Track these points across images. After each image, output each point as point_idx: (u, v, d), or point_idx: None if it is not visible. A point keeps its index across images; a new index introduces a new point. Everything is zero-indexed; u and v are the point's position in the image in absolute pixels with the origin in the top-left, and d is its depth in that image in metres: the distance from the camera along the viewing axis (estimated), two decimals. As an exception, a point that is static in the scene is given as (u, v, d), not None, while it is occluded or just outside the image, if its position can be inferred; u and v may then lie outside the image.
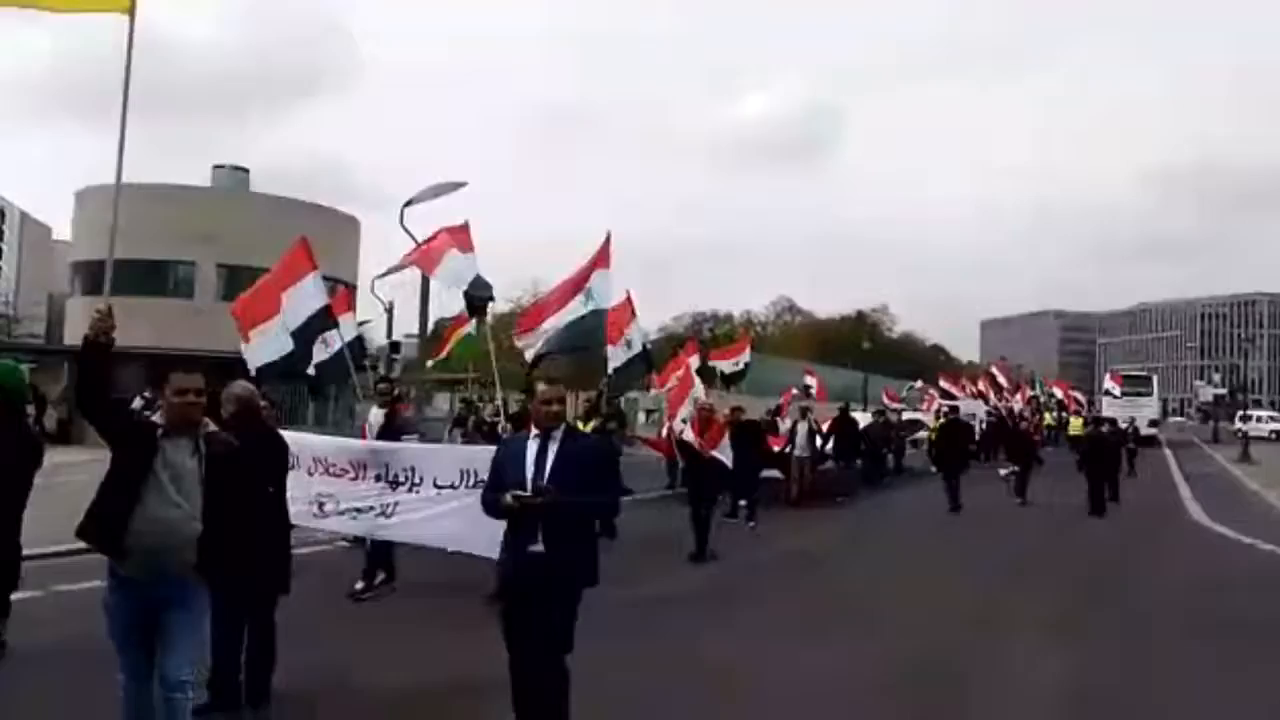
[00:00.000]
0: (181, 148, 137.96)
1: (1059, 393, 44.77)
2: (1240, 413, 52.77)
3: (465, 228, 10.13)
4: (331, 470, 8.53)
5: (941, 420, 21.35)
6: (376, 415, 9.25)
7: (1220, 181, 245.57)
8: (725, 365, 19.65)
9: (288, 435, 8.72)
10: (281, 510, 5.65)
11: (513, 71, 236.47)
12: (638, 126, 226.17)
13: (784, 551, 12.20)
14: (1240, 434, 38.88)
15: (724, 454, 11.63)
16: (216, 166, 41.15)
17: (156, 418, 4.34)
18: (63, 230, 44.04)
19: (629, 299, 12.18)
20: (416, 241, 16.08)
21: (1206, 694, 6.55)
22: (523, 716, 4.74)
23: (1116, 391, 33.88)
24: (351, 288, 41.46)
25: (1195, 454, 38.67)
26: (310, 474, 8.48)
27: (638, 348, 12.17)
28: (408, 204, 15.35)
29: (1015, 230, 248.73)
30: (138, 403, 9.42)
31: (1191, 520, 17.23)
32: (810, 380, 27.35)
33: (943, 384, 37.34)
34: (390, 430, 8.91)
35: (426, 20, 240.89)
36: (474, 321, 13.42)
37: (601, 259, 11.27)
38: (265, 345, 9.87)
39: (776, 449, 16.62)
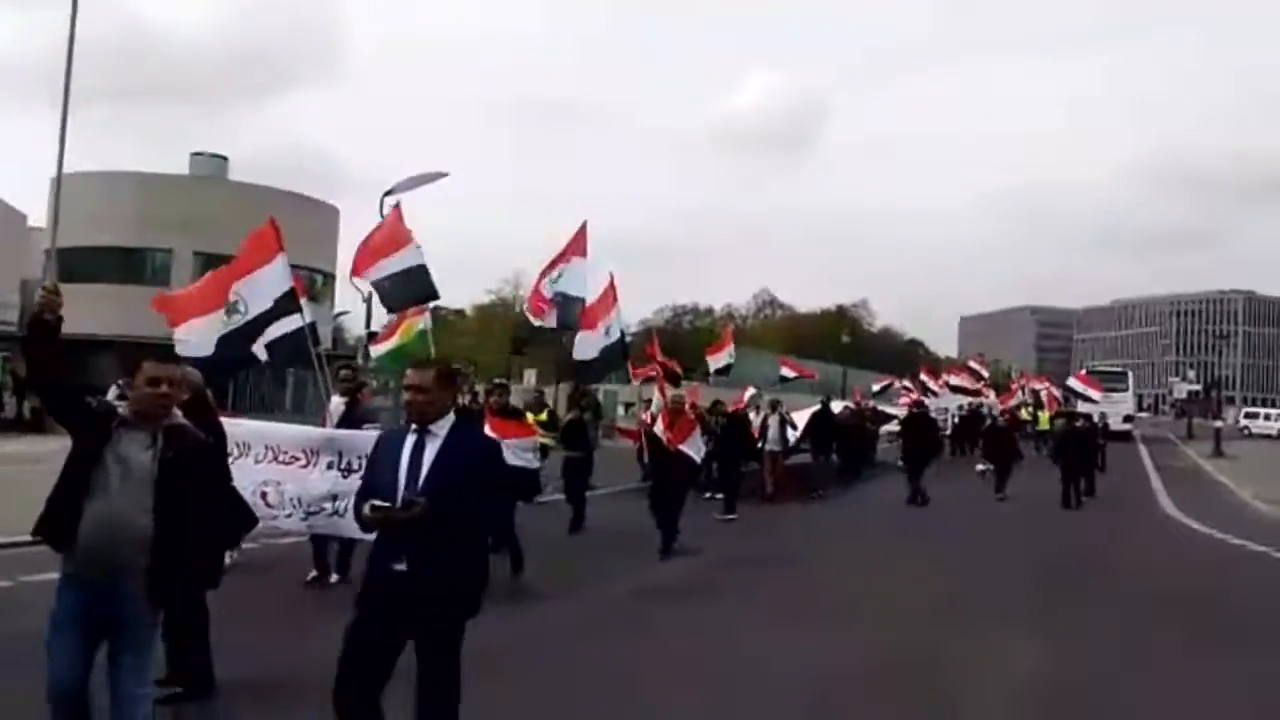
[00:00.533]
0: (161, 134, 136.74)
1: (1041, 389, 45.00)
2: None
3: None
4: (281, 458, 8.15)
5: (906, 414, 21.37)
6: (337, 404, 9.01)
7: (1202, 179, 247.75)
8: (716, 361, 19.45)
9: (240, 422, 8.52)
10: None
11: (501, 63, 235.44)
12: (624, 120, 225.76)
13: (757, 545, 12.18)
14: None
15: (692, 448, 11.37)
16: (195, 154, 40.83)
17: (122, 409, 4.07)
18: (38, 217, 43.56)
19: (612, 285, 12.01)
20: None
21: (1173, 684, 6.64)
22: None
23: (1094, 395, 34.03)
24: (330, 277, 41.38)
25: (1169, 449, 39.07)
26: (258, 461, 8.14)
27: (615, 335, 12.04)
28: (387, 193, 15.32)
29: (994, 226, 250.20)
30: (113, 392, 9.20)
31: (1163, 514, 17.45)
32: (788, 372, 26.98)
33: (923, 377, 37.52)
34: (352, 419, 8.67)
35: (414, 7, 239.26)
36: (427, 315, 13.38)
37: (576, 247, 11.31)
38: (204, 338, 8.95)
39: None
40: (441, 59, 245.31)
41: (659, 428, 11.39)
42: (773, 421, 17.02)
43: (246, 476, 7.85)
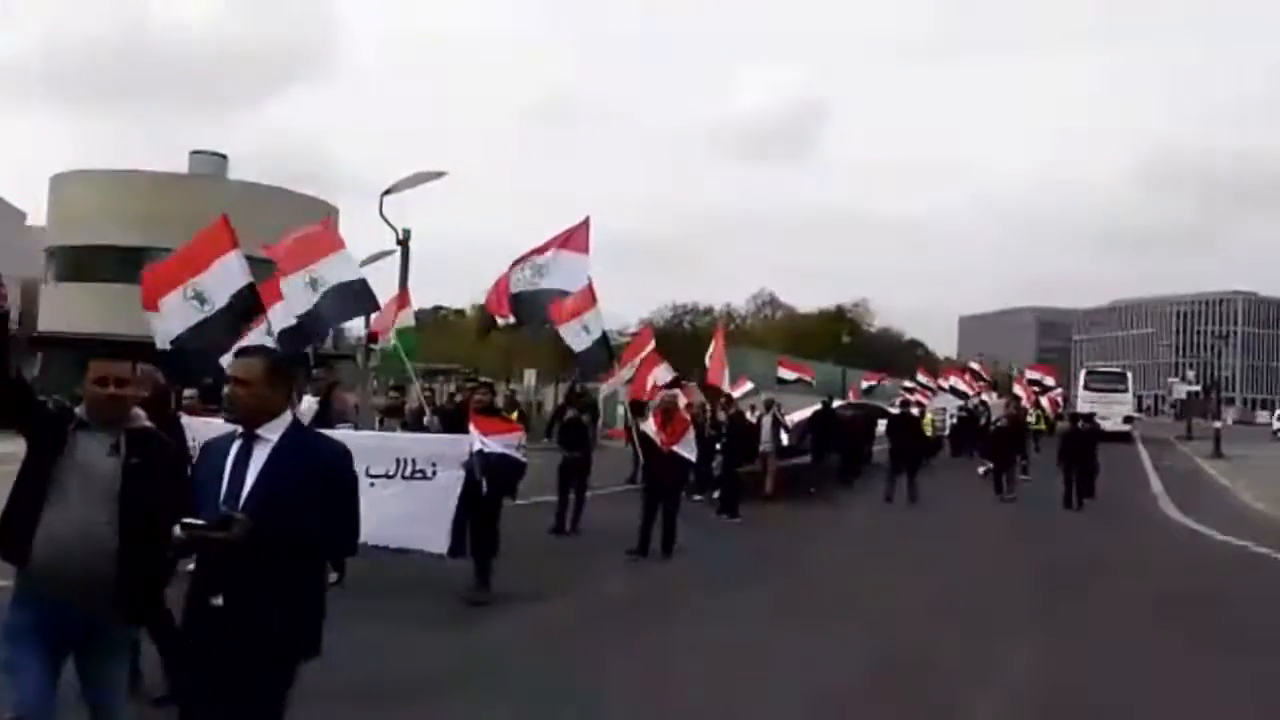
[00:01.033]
0: (160, 133, 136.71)
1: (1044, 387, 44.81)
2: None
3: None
4: None
5: (896, 413, 21.08)
6: (309, 404, 8.84)
7: (1202, 181, 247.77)
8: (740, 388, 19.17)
9: (213, 423, 8.56)
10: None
11: (500, 61, 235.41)
12: (624, 118, 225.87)
13: (755, 546, 12.10)
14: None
15: (686, 449, 11.17)
16: (194, 152, 40.82)
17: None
18: (37, 216, 43.54)
19: (590, 286, 11.89)
20: (395, 230, 16.05)
21: (1173, 685, 6.63)
22: None
23: (1049, 382, 33.85)
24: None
25: (1169, 450, 39.03)
26: None
27: (596, 334, 11.85)
28: (386, 192, 15.29)
29: (994, 226, 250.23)
30: (190, 392, 9.14)
31: (1163, 516, 17.43)
32: (786, 373, 26.55)
33: (920, 377, 37.46)
34: (325, 420, 8.52)
35: (413, 6, 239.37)
36: (409, 311, 13.35)
37: (575, 241, 11.17)
38: (172, 316, 8.95)
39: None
40: (440, 57, 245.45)
41: (652, 429, 11.16)
42: (766, 422, 16.87)
43: None
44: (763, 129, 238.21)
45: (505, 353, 42.36)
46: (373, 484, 7.58)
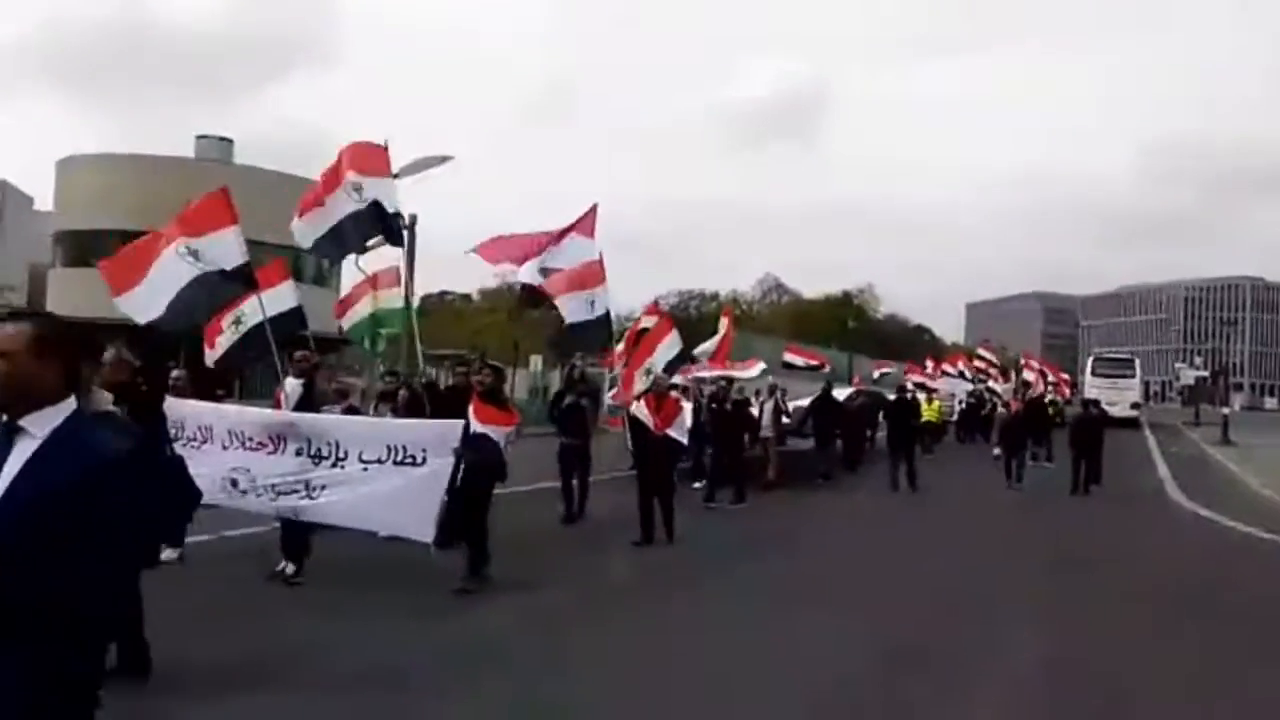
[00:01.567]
0: (165, 117, 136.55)
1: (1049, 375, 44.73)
2: None
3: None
4: (248, 444, 7.98)
5: (894, 397, 20.80)
6: (293, 386, 8.66)
7: (1210, 165, 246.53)
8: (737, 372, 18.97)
9: (200, 406, 8.40)
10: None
11: (504, 48, 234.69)
12: (630, 104, 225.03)
13: (754, 533, 11.97)
14: None
15: (679, 432, 10.98)
16: (200, 137, 40.82)
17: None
18: (44, 200, 43.59)
19: (600, 261, 11.83)
20: (401, 214, 16.01)
21: (1179, 669, 6.62)
22: None
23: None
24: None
25: (1176, 436, 38.96)
26: (225, 448, 7.99)
27: (600, 311, 11.61)
28: (393, 177, 15.22)
29: (1001, 213, 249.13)
30: (178, 373, 9.13)
31: (1171, 501, 17.41)
32: (794, 359, 26.17)
33: (928, 364, 37.47)
34: (308, 403, 8.43)
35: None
36: (398, 291, 13.25)
37: (584, 225, 11.19)
38: (161, 278, 8.69)
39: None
40: (444, 42, 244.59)
41: (644, 412, 10.90)
42: (767, 407, 16.63)
43: (215, 463, 7.79)
44: (767, 119, 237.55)
45: (511, 338, 42.41)
46: (366, 469, 7.62)
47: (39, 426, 2.34)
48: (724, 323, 20.21)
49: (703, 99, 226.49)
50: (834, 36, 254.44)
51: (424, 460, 7.50)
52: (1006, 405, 29.23)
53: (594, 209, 11.34)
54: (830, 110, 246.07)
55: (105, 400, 3.17)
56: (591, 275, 11.43)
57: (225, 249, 8.71)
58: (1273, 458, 23.12)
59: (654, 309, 18.13)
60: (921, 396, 23.20)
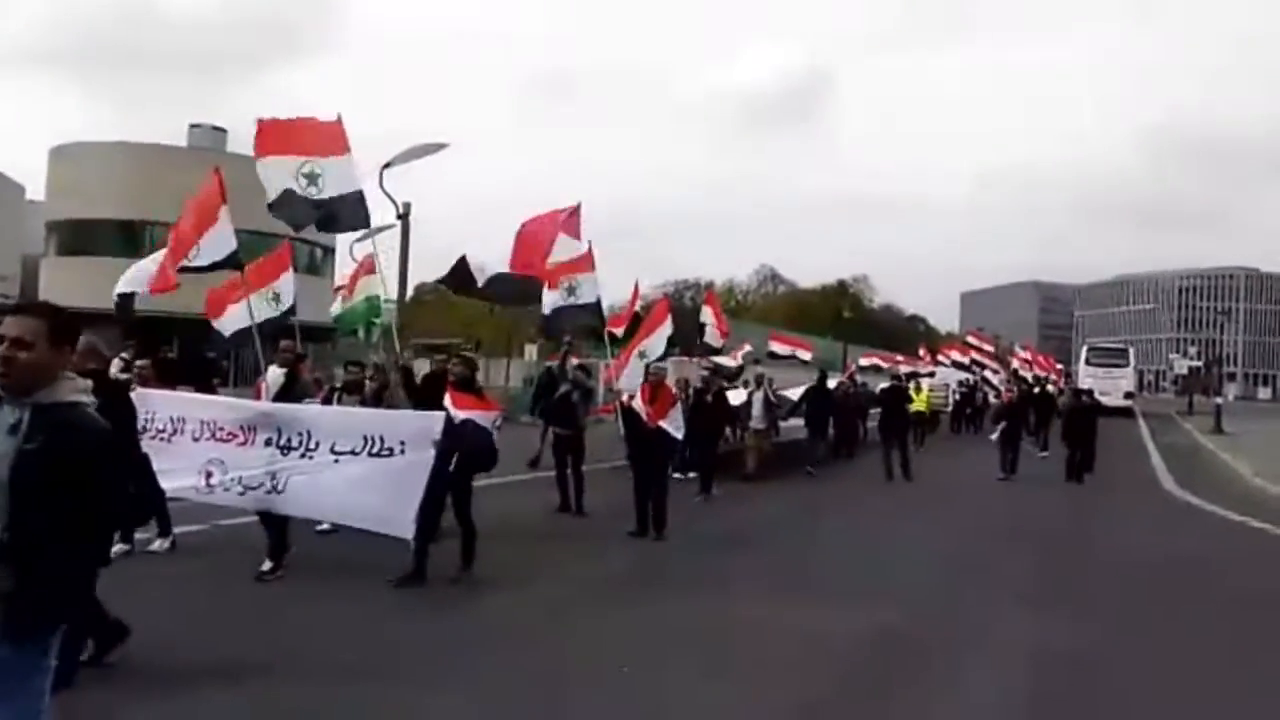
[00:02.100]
0: (158, 105, 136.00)
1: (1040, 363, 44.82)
2: None
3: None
4: (219, 435, 7.73)
5: (886, 385, 20.65)
6: (275, 376, 8.49)
7: (1207, 156, 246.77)
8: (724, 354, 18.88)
9: (171, 396, 8.17)
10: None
11: (502, 32, 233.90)
12: (625, 92, 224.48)
13: (748, 523, 11.92)
14: None
15: (673, 425, 10.72)
16: (193, 125, 40.67)
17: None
18: (36, 189, 43.37)
19: (589, 252, 11.73)
20: (395, 204, 15.98)
21: (1171, 655, 6.65)
22: None
23: (988, 347, 33.44)
24: (330, 251, 41.20)
25: (1170, 425, 39.08)
26: (195, 439, 7.75)
27: (588, 299, 11.52)
28: (387, 165, 15.19)
29: (997, 201, 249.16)
30: (116, 365, 9.04)
31: (1164, 490, 17.48)
32: (779, 348, 25.84)
33: (921, 354, 37.52)
34: (290, 394, 8.27)
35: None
36: (377, 277, 13.14)
37: (569, 226, 11.13)
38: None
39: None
40: (441, 29, 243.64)
41: (638, 403, 10.75)
42: (756, 398, 16.45)
43: (189, 456, 7.61)
44: (764, 104, 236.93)
45: (506, 329, 42.35)
46: (337, 460, 7.40)
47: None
48: (706, 310, 19.93)
49: (702, 87, 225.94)
50: (833, 25, 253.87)
51: (402, 452, 7.27)
52: (1000, 395, 29.36)
53: (578, 209, 11.31)
54: (828, 99, 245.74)
55: (83, 387, 3.06)
56: (579, 263, 11.37)
57: (220, 240, 9.17)
58: (1265, 447, 23.24)
59: (637, 294, 17.95)
60: (911, 386, 23.08)
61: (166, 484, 7.72)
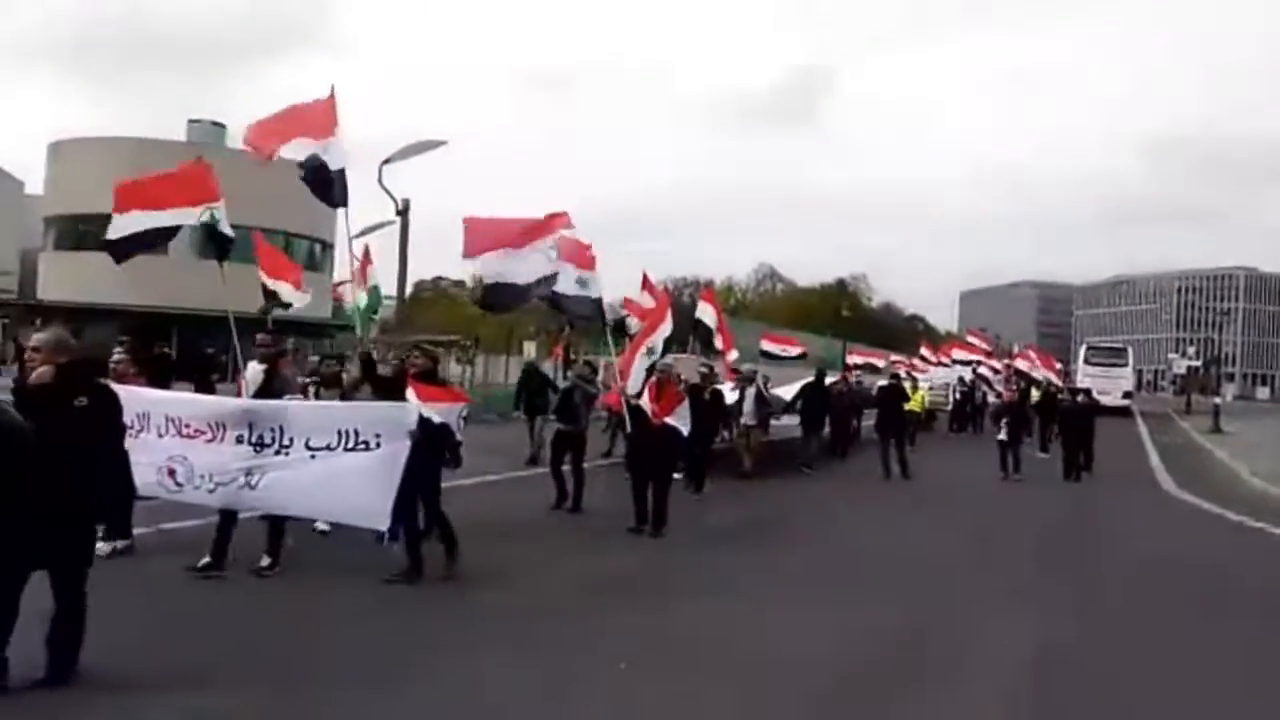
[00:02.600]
0: (157, 100, 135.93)
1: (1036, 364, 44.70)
2: None
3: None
4: (185, 431, 7.52)
5: (883, 384, 20.44)
6: (255, 372, 8.25)
7: (1206, 156, 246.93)
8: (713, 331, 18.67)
9: (140, 392, 7.89)
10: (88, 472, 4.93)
11: (501, 29, 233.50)
12: (625, 90, 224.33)
13: (741, 521, 11.86)
14: None
15: (680, 421, 10.56)
16: (192, 121, 40.64)
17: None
18: (35, 184, 43.37)
19: (590, 251, 11.60)
20: (394, 199, 15.97)
21: (1169, 654, 6.68)
22: None
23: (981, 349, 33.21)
24: (329, 246, 41.21)
25: (1168, 425, 39.13)
26: (160, 435, 7.54)
27: (593, 293, 11.23)
28: (386, 162, 15.17)
29: (996, 200, 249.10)
30: (117, 355, 8.92)
31: (1162, 490, 17.50)
32: (771, 346, 25.48)
33: (924, 352, 37.44)
34: (269, 390, 7.99)
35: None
36: (374, 269, 12.96)
37: (557, 227, 11.00)
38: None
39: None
40: (440, 25, 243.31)
41: (645, 400, 10.61)
42: (749, 394, 16.18)
43: (151, 452, 7.44)
44: (763, 102, 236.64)
45: (505, 326, 42.39)
46: (313, 456, 7.26)
47: None
48: (704, 306, 19.72)
49: (702, 85, 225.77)
50: (834, 23, 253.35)
51: (378, 444, 7.17)
52: (999, 395, 29.35)
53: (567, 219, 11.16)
54: (828, 98, 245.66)
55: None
56: (583, 261, 11.24)
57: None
58: (1263, 447, 23.28)
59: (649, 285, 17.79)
60: (907, 385, 22.96)
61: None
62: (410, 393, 7.50)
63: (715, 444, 15.05)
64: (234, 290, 9.70)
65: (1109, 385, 40.40)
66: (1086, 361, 46.78)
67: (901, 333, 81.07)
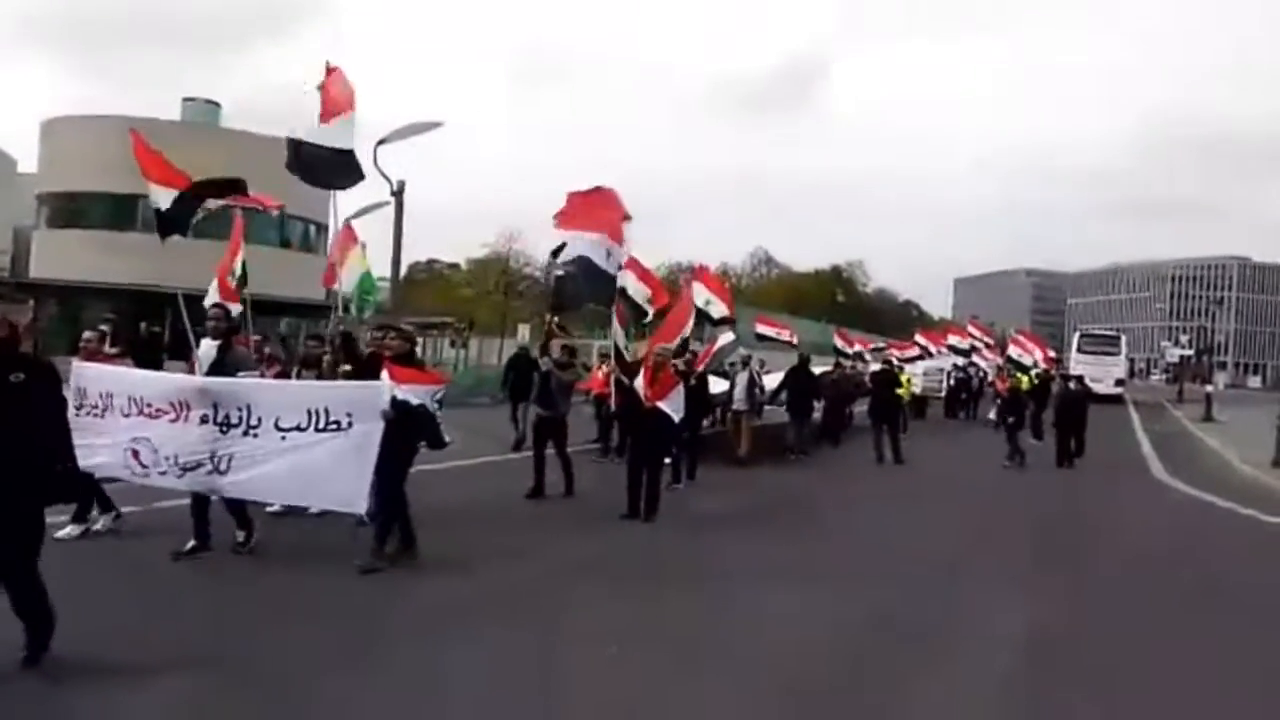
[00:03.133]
0: (153, 79, 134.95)
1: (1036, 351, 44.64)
2: None
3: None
4: (147, 411, 7.31)
5: (877, 370, 20.39)
6: (208, 348, 7.91)
7: (1200, 146, 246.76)
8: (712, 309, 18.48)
9: (103, 370, 7.81)
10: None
11: (498, 11, 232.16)
12: (623, 74, 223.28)
13: (735, 507, 11.84)
14: None
15: (672, 406, 10.50)
16: (187, 99, 40.37)
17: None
18: (28, 162, 43.11)
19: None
20: (389, 181, 15.89)
21: (1158, 639, 6.73)
22: None
23: (933, 349, 33.15)
24: (323, 227, 41.01)
25: (1159, 413, 39.25)
26: (124, 415, 7.38)
27: (611, 271, 11.05)
28: (381, 143, 15.09)
29: (991, 188, 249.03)
30: (87, 334, 8.63)
31: (1153, 477, 17.58)
32: (766, 329, 25.32)
33: (919, 339, 37.47)
34: (222, 367, 7.68)
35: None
36: (360, 246, 12.82)
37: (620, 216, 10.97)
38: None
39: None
40: (437, 6, 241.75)
41: (638, 384, 10.54)
42: (741, 379, 16.07)
43: (115, 432, 7.33)
44: (759, 89, 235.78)
45: (500, 309, 42.43)
46: (284, 438, 7.04)
47: None
48: (701, 289, 19.57)
49: (699, 72, 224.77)
50: (831, 11, 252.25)
51: (350, 425, 6.96)
52: (992, 383, 29.39)
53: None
54: (825, 85, 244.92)
55: None
56: (617, 227, 11.05)
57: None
58: (1253, 435, 23.26)
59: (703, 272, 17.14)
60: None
61: (91, 462, 7.36)
62: (385, 374, 7.35)
63: (701, 430, 14.90)
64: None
65: (1102, 373, 40.51)
66: (1079, 349, 46.82)
67: (896, 319, 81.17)
